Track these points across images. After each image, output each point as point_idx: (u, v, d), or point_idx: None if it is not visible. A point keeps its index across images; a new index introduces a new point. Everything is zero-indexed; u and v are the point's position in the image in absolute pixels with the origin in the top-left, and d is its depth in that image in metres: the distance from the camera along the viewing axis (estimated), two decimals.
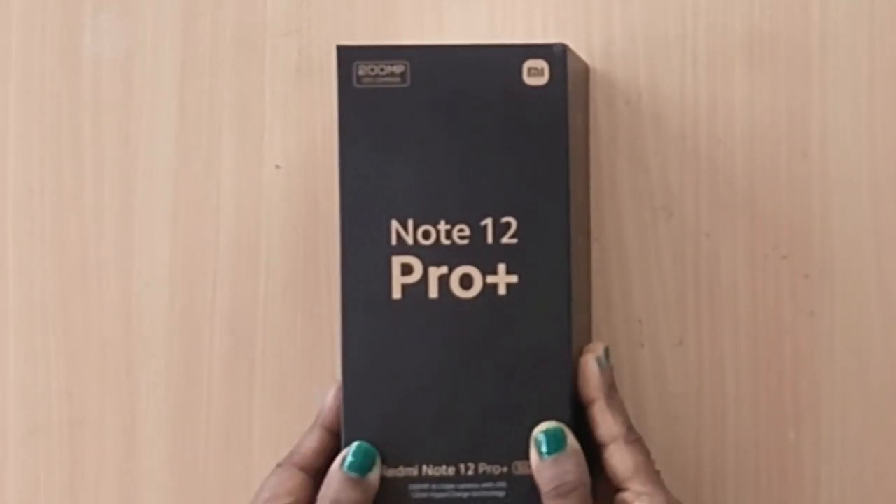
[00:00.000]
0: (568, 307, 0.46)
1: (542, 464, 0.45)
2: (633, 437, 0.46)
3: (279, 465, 0.47)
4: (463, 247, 0.46)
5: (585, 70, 0.52)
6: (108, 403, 0.54)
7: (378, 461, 0.45)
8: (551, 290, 0.46)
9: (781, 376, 0.52)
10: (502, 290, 0.46)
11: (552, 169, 0.46)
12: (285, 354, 0.53)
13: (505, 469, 0.46)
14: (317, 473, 0.46)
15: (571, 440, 0.45)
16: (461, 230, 0.46)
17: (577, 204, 0.48)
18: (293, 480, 0.46)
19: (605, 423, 0.46)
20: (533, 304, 0.46)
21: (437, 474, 0.46)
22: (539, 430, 0.45)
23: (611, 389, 0.46)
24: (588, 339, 0.52)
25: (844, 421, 0.52)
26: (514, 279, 0.46)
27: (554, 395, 0.46)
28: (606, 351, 0.47)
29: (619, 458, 0.45)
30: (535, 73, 0.46)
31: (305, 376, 0.53)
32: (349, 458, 0.45)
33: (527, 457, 0.45)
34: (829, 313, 0.53)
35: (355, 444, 0.45)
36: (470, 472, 0.46)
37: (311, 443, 0.47)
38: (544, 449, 0.45)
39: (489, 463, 0.46)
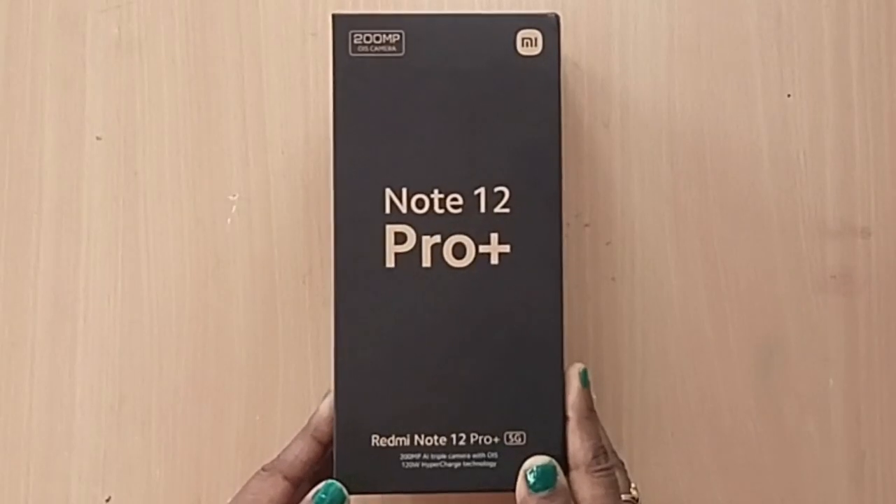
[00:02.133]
0: (559, 277, 0.46)
1: (530, 497, 0.44)
2: (599, 467, 0.45)
3: (264, 470, 0.46)
4: (456, 216, 0.46)
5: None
6: None
7: (348, 500, 0.45)
8: (543, 260, 0.46)
9: (585, 339, 0.54)
10: (494, 260, 0.46)
11: (545, 139, 0.46)
12: (107, 321, 0.55)
13: (496, 439, 0.46)
14: (300, 483, 0.46)
15: (561, 478, 0.45)
16: (454, 199, 0.46)
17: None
18: (276, 489, 0.45)
19: (573, 446, 0.45)
20: (525, 273, 0.46)
21: (428, 444, 0.46)
22: (532, 464, 0.45)
23: (586, 412, 0.46)
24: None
25: (644, 381, 0.54)
26: (506, 248, 0.46)
27: (545, 365, 0.46)
28: (585, 372, 0.47)
29: (578, 486, 0.45)
30: (529, 43, 0.46)
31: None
32: (320, 494, 0.45)
33: (518, 427, 0.46)
34: (629, 279, 0.54)
35: (328, 482, 0.45)
36: (462, 443, 0.46)
37: (300, 452, 0.46)
38: (534, 483, 0.44)
39: (481, 433, 0.46)
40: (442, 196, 0.46)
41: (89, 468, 0.54)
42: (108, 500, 0.54)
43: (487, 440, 0.46)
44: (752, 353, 0.54)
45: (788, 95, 0.54)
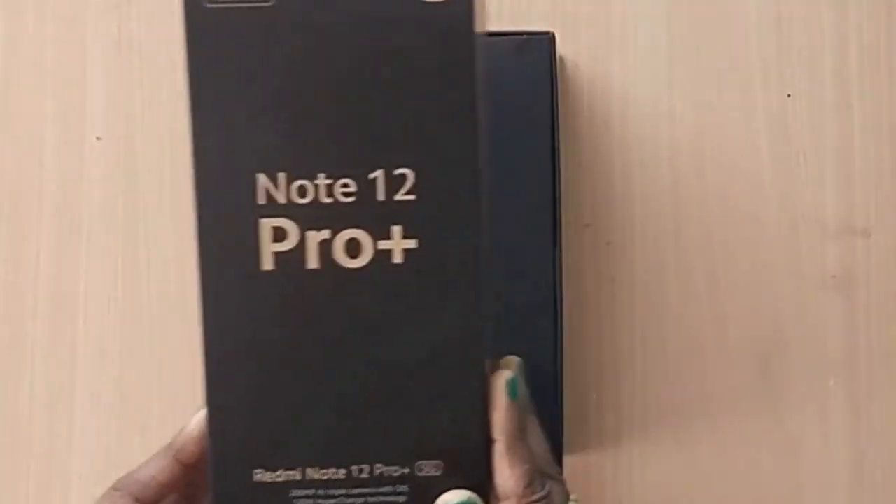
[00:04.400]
0: (478, 277, 0.37)
1: None
2: (533, 498, 0.37)
3: (115, 489, 0.39)
4: (348, 206, 0.37)
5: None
6: None
7: None
8: (459, 257, 0.37)
9: (584, 340, 0.54)
10: (398, 258, 0.37)
11: (457, 107, 0.37)
12: (107, 321, 0.55)
13: (406, 470, 0.38)
14: None
15: None
16: (345, 185, 0.37)
17: (486, 156, 0.38)
18: None
19: (501, 476, 0.37)
20: (435, 274, 0.37)
21: (324, 478, 0.38)
22: (448, 500, 0.37)
23: (516, 432, 0.37)
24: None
25: (645, 383, 0.54)
26: (412, 244, 0.37)
27: (464, 382, 0.38)
28: (514, 382, 0.38)
29: None
30: None
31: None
32: None
33: (433, 456, 0.38)
34: (629, 279, 0.54)
35: None
36: (364, 475, 0.38)
37: (158, 473, 0.39)
38: None
39: (387, 464, 0.38)
40: (330, 182, 0.37)
41: (89, 468, 0.54)
42: None
43: (396, 471, 0.38)
44: (752, 353, 0.54)
45: (788, 95, 0.54)
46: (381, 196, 0.37)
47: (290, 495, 0.38)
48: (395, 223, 0.37)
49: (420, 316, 0.37)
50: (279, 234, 0.37)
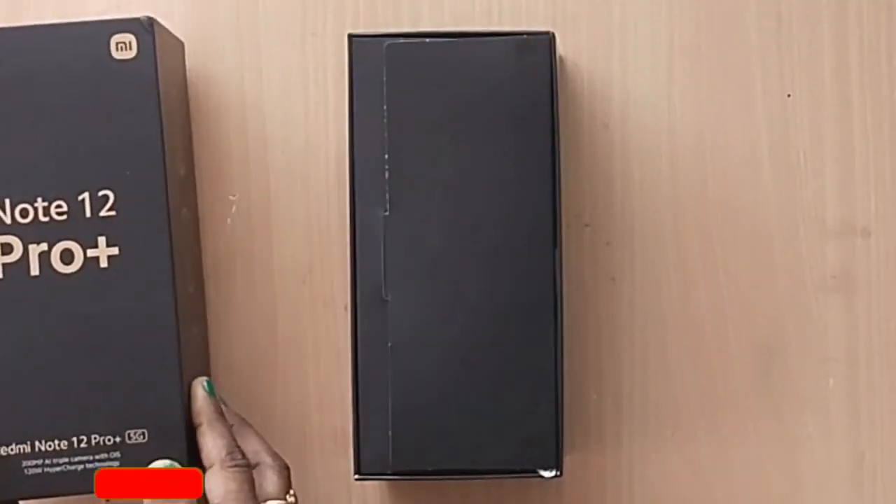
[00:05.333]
0: (171, 277, 0.47)
1: None
2: (233, 463, 0.46)
3: None
4: (62, 222, 0.47)
5: (180, 46, 0.53)
6: None
7: None
8: (152, 261, 0.47)
9: (584, 340, 0.54)
10: (104, 263, 0.47)
11: (146, 141, 0.47)
12: None
13: (118, 439, 0.47)
14: None
15: None
16: (59, 206, 0.47)
17: (179, 177, 0.50)
18: None
19: (206, 448, 0.47)
20: (135, 274, 0.47)
21: (50, 449, 0.47)
22: (156, 464, 0.47)
23: (215, 415, 0.48)
24: (203, 310, 0.53)
25: (644, 382, 0.54)
26: (114, 251, 0.47)
27: (162, 365, 0.47)
28: (209, 383, 0.48)
29: (213, 485, 0.45)
30: (123, 48, 0.47)
31: None
32: None
33: (140, 425, 0.47)
34: (629, 279, 0.54)
35: None
36: (83, 445, 0.47)
37: None
38: None
39: (102, 434, 0.47)
40: (46, 204, 0.47)
41: None
42: (108, 500, 0.54)
43: (109, 440, 0.47)
44: (752, 353, 0.54)
45: (788, 95, 0.54)
46: (88, 213, 0.47)
47: (22, 465, 0.47)
48: (101, 234, 0.47)
49: (124, 311, 0.47)
50: (6, 249, 0.47)
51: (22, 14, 0.55)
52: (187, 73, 0.54)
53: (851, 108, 0.54)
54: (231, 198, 0.55)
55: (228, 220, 0.55)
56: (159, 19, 0.48)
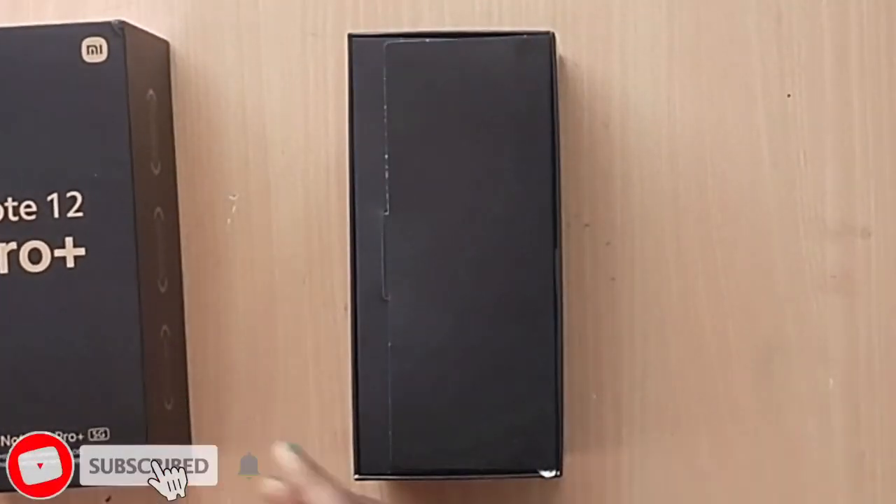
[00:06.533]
0: (135, 277, 0.48)
1: None
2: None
3: None
4: (30, 222, 0.48)
5: (163, 46, 0.53)
6: None
7: None
8: (118, 261, 0.48)
9: (584, 340, 0.54)
10: (71, 263, 0.48)
11: (114, 143, 0.48)
12: None
13: (81, 436, 0.48)
14: None
15: None
16: (28, 206, 0.48)
17: (152, 177, 0.51)
18: None
19: (320, 500, 0.45)
20: (101, 274, 0.48)
21: (13, 444, 0.48)
22: None
23: (313, 469, 0.46)
24: (180, 309, 0.54)
25: (644, 382, 0.54)
26: (81, 251, 0.48)
27: (125, 364, 0.48)
28: (296, 447, 0.47)
29: None
30: (94, 51, 0.48)
31: None
32: None
33: (102, 423, 0.48)
34: (629, 279, 0.54)
35: None
36: None
37: None
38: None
39: (64, 431, 0.48)
40: (16, 204, 0.48)
41: None
42: (108, 500, 0.54)
43: (72, 437, 0.48)
44: (752, 353, 0.54)
45: (788, 95, 0.54)
46: (56, 214, 0.48)
47: None
48: (68, 235, 0.48)
49: (90, 310, 0.48)
50: None
51: (22, 14, 0.55)
52: (187, 73, 0.54)
53: (851, 108, 0.54)
54: (231, 198, 0.55)
55: (228, 220, 0.55)
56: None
